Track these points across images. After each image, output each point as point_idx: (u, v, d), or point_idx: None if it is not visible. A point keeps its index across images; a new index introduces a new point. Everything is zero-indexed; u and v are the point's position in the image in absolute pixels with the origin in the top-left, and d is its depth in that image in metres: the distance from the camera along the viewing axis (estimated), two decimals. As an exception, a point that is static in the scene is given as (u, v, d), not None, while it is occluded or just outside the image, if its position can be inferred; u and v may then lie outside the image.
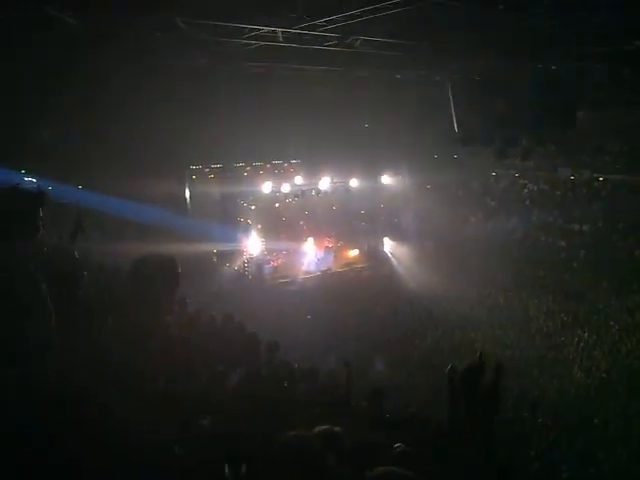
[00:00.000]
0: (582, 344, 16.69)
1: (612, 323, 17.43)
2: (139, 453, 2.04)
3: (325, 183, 23.43)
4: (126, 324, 2.82)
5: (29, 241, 3.06)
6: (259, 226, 22.90)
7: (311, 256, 23.75)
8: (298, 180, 23.03)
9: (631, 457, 11.55)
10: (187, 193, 21.12)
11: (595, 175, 21.66)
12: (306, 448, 2.53)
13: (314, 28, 11.99)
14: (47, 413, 2.05)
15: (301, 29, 11.95)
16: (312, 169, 23.04)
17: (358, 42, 13.20)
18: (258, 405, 5.03)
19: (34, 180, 15.47)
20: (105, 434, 2.05)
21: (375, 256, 25.32)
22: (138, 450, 2.05)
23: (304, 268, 23.44)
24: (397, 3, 10.38)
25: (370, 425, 6.38)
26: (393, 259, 25.26)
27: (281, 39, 12.50)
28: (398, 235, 25.63)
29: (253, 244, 22.36)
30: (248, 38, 12.44)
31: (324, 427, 3.33)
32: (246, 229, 22.46)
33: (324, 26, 11.91)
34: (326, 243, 24.48)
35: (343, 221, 25.30)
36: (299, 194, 23.50)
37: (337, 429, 3.39)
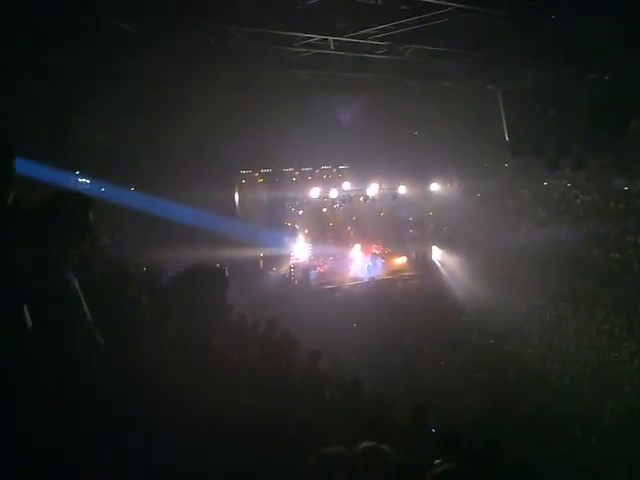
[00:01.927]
0: (637, 361, 16.16)
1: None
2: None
3: (373, 189, 23.26)
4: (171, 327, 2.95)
5: (75, 244, 3.08)
6: (306, 231, 23.02)
7: (358, 262, 23.65)
8: (346, 186, 22.91)
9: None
10: (236, 197, 21.32)
11: (650, 186, 20.94)
12: (344, 465, 2.56)
13: (365, 37, 12.07)
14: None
15: (352, 37, 12.01)
16: (360, 175, 22.95)
17: (409, 51, 13.19)
18: (296, 420, 5.04)
19: (87, 181, 15.96)
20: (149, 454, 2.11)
21: (423, 264, 25.03)
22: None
23: (351, 274, 23.35)
24: (448, 12, 10.35)
25: (415, 442, 6.31)
26: (442, 268, 24.96)
27: (332, 47, 12.60)
28: (447, 243, 25.33)
29: (300, 249, 22.48)
30: (300, 46, 12.58)
31: (369, 444, 3.28)
32: (293, 234, 22.58)
33: (375, 34, 11.95)
34: (373, 250, 24.37)
35: (391, 228, 25.15)
36: (347, 200, 23.36)
37: (383, 447, 3.33)
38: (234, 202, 21.24)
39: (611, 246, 21.41)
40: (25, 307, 2.55)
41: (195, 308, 2.81)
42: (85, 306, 2.84)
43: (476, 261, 23.10)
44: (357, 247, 23.73)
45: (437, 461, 4.68)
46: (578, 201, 23.17)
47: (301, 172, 22.58)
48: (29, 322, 2.53)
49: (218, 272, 3.07)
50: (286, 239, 22.27)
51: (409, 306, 21.01)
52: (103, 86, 12.79)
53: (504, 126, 16.18)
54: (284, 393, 6.21)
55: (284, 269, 22.21)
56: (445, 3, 9.90)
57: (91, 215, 3.17)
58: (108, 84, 12.74)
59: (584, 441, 12.91)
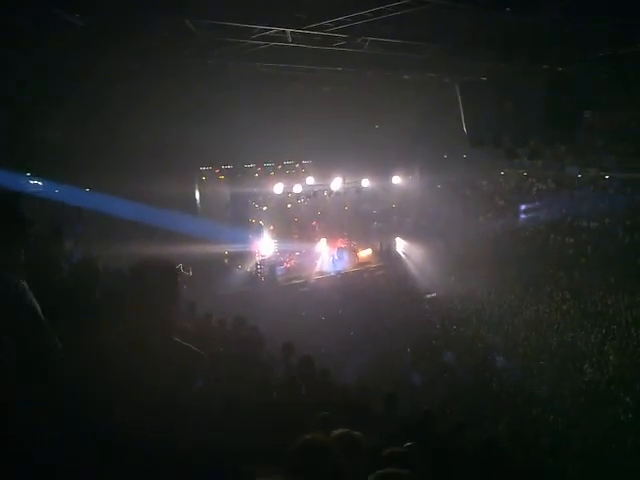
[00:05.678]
0: (592, 340, 16.76)
1: (621, 319, 17.49)
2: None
3: (337, 184, 23.53)
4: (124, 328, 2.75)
5: (14, 245, 2.84)
6: (271, 227, 23.05)
7: (324, 256, 23.82)
8: (310, 181, 23.12)
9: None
10: (197, 194, 21.18)
11: (602, 173, 21.79)
12: (324, 451, 2.52)
13: (323, 29, 11.97)
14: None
15: (310, 30, 11.97)
16: (323, 169, 23.14)
17: (367, 43, 13.24)
18: (273, 410, 5.09)
19: (39, 182, 15.55)
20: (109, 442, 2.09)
21: (388, 256, 25.41)
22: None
23: (318, 268, 23.50)
24: (404, 4, 10.43)
25: (385, 427, 6.42)
26: (406, 258, 25.39)
27: (290, 40, 12.51)
28: (410, 235, 25.73)
29: (265, 245, 22.44)
30: (257, 38, 12.43)
31: (343, 430, 3.27)
32: (258, 230, 22.55)
33: (333, 27, 11.93)
34: (339, 243, 24.59)
35: (356, 221, 25.45)
36: (311, 195, 23.61)
37: (356, 433, 3.31)
38: (195, 199, 21.11)
39: (566, 231, 22.18)
40: None
41: (145, 307, 2.63)
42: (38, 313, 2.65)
43: (439, 251, 23.58)
44: (323, 241, 23.94)
45: (407, 444, 4.66)
46: (534, 189, 23.89)
47: (263, 168, 22.59)
48: None
49: (167, 269, 2.77)
50: (251, 236, 22.18)
51: (375, 297, 21.28)
52: (56, 84, 12.51)
53: (462, 118, 16.49)
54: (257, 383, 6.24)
55: (250, 266, 22.12)
56: (401, -5, 9.98)
57: (24, 211, 2.93)
58: (65, 84, 12.47)
59: (544, 419, 13.37)
